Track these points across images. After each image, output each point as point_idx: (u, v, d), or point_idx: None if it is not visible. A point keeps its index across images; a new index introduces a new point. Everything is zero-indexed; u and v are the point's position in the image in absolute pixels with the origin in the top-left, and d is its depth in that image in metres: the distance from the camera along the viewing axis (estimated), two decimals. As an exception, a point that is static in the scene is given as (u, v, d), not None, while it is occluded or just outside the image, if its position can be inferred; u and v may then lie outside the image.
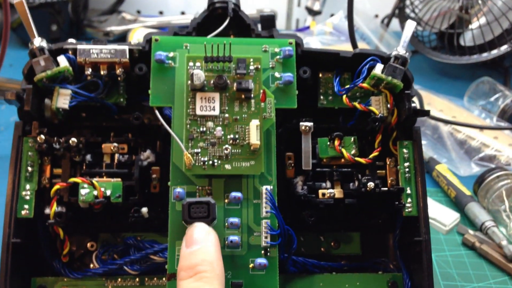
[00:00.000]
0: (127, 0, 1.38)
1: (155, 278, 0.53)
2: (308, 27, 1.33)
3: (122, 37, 1.24)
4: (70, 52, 0.53)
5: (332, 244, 0.58)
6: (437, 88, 1.07)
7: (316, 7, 1.33)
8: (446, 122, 0.93)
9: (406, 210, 0.53)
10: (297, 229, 0.51)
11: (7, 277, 0.49)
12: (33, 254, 0.53)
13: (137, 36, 1.19)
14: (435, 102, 1.00)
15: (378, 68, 0.53)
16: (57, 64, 0.51)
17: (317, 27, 1.28)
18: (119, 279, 0.53)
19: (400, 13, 1.19)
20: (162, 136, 0.55)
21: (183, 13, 1.40)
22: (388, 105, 0.54)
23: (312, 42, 1.21)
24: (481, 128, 0.92)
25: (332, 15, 1.36)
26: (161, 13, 1.41)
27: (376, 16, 1.39)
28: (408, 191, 0.53)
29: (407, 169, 0.54)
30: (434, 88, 1.06)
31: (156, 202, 0.54)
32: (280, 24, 1.45)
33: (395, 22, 1.24)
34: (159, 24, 1.26)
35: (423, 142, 0.91)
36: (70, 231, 0.54)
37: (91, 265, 0.55)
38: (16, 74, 1.03)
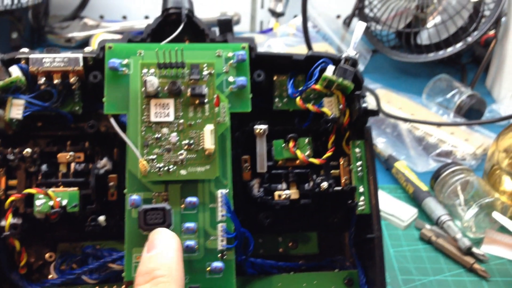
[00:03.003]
0: (89, 5, 1.37)
1: (114, 287, 0.53)
2: (271, 29, 1.34)
3: (84, 43, 1.24)
4: (23, 61, 0.52)
5: (290, 244, 0.59)
6: (397, 86, 1.10)
7: (279, 8, 1.34)
8: (403, 120, 0.95)
9: (359, 208, 0.54)
10: (255, 231, 0.52)
11: (-38, 291, 0.49)
12: (-11, 266, 0.53)
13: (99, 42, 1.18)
14: (394, 100, 1.03)
15: (329, 70, 0.54)
16: (10, 75, 0.51)
17: (281, 29, 1.30)
18: (78, 289, 0.53)
19: (359, 13, 1.21)
20: (119, 143, 0.55)
21: (147, 17, 1.40)
22: (340, 106, 0.55)
23: (276, 43, 1.22)
24: (438, 124, 0.95)
25: (295, 16, 1.37)
26: (124, 17, 1.41)
27: (338, 16, 1.41)
28: (361, 190, 0.54)
29: (359, 168, 0.55)
30: (394, 86, 1.09)
31: (114, 210, 0.54)
32: (245, 26, 1.46)
33: (355, 22, 1.26)
34: (122, 29, 1.26)
35: (383, 140, 0.93)
36: (28, 242, 0.54)
37: (50, 276, 0.55)
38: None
